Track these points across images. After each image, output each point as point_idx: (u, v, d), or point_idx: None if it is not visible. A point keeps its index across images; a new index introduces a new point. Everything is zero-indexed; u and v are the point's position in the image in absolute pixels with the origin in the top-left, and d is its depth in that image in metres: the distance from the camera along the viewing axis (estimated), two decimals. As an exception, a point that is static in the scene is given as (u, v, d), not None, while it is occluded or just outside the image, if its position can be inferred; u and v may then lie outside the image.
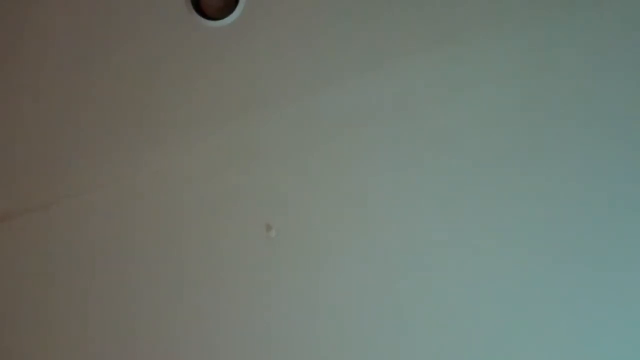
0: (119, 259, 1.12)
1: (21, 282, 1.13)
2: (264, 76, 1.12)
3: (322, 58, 1.11)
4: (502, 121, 1.06)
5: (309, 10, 1.11)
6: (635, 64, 1.04)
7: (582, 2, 1.06)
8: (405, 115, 1.08)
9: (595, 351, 1.02)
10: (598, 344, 1.02)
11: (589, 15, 1.05)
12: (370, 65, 1.10)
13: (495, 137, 1.06)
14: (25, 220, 1.13)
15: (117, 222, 1.12)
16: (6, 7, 1.15)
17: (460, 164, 1.07)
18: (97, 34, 1.14)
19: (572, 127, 1.05)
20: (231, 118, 1.12)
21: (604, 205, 1.03)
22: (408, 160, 1.08)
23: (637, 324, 1.01)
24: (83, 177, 1.13)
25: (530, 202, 1.05)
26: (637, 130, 1.03)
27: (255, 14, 1.12)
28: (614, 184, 1.03)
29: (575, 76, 1.05)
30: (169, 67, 1.13)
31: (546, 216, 1.04)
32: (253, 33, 1.12)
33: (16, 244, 1.14)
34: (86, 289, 1.12)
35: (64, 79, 1.15)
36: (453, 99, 1.08)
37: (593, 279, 1.03)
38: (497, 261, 1.05)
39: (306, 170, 1.10)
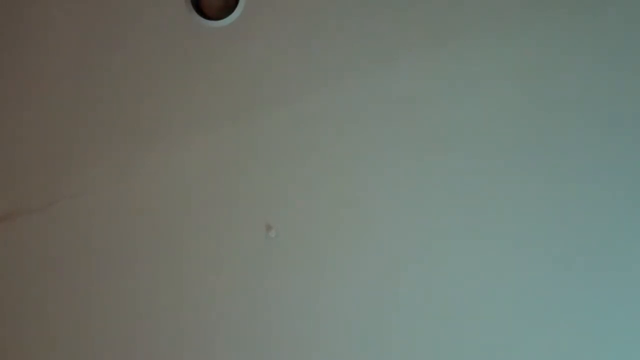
0: (119, 259, 1.11)
1: (21, 282, 1.13)
2: (264, 76, 1.12)
3: (322, 58, 1.11)
4: (504, 120, 1.06)
5: (309, 11, 1.11)
6: (637, 63, 1.04)
7: (583, 2, 1.06)
8: (405, 115, 1.08)
9: (597, 350, 1.02)
10: (599, 342, 1.02)
11: (590, 15, 1.06)
12: (370, 65, 1.10)
13: (497, 136, 1.06)
14: (25, 220, 1.13)
15: (117, 222, 1.12)
16: (6, 7, 1.15)
17: (461, 164, 1.07)
18: (97, 35, 1.14)
19: (576, 126, 1.05)
20: (231, 118, 1.12)
21: (606, 205, 1.03)
22: (408, 160, 1.08)
23: (638, 323, 1.01)
24: (83, 177, 1.13)
25: (531, 201, 1.05)
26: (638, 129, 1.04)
27: (255, 14, 1.12)
28: (616, 184, 1.03)
29: (577, 75, 1.06)
30: (169, 67, 1.13)
31: (549, 215, 1.04)
32: (253, 33, 1.12)
33: (16, 244, 1.13)
34: (86, 289, 1.12)
35: (64, 79, 1.15)
36: (454, 98, 1.08)
37: (596, 278, 1.02)
38: (499, 261, 1.05)
39: (306, 170, 1.10)
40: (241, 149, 1.12)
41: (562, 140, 1.05)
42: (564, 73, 1.06)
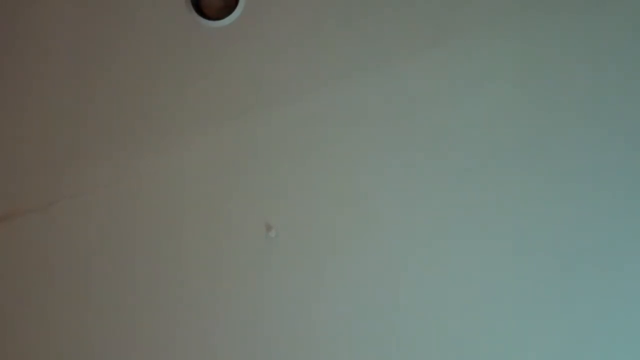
0: (118, 259, 1.11)
1: (21, 282, 1.13)
2: (264, 76, 1.12)
3: (322, 58, 1.11)
4: (504, 120, 1.06)
5: (309, 11, 1.11)
6: (636, 63, 1.04)
7: (583, 2, 1.06)
8: (405, 115, 1.08)
9: (597, 350, 1.02)
10: (600, 343, 1.02)
11: (590, 15, 1.06)
12: (370, 65, 1.10)
13: (497, 136, 1.06)
14: (25, 220, 1.13)
15: (117, 222, 1.12)
16: (6, 7, 1.15)
17: (461, 164, 1.07)
18: (97, 34, 1.14)
19: (576, 126, 1.05)
20: (231, 118, 1.12)
21: (607, 205, 1.03)
22: (408, 160, 1.08)
23: (638, 324, 1.01)
24: (83, 177, 1.13)
25: (531, 201, 1.05)
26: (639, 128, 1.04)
27: (255, 14, 1.12)
28: (616, 184, 1.03)
29: (577, 75, 1.06)
30: (169, 67, 1.13)
31: (548, 215, 1.04)
32: (253, 33, 1.12)
33: (16, 244, 1.13)
34: (86, 289, 1.12)
35: (64, 79, 1.15)
36: (453, 98, 1.08)
37: (597, 278, 1.02)
38: (499, 262, 1.05)
39: (306, 170, 1.10)
40: (241, 149, 1.12)
41: (562, 140, 1.05)
42: (564, 73, 1.06)
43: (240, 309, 1.09)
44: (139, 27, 1.14)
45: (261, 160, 1.11)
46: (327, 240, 1.09)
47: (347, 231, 1.08)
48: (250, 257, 1.09)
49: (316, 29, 1.11)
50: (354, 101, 1.10)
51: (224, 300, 1.10)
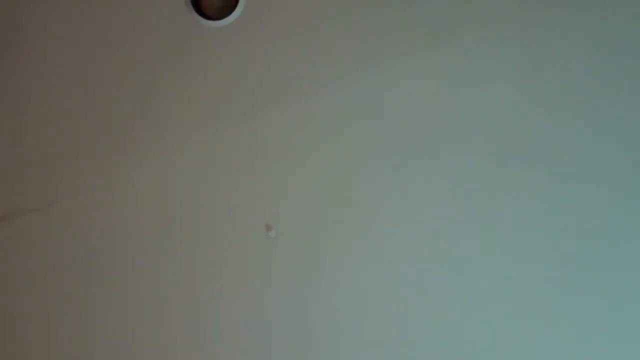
0: (118, 259, 1.12)
1: (21, 282, 1.13)
2: (263, 76, 1.12)
3: (322, 58, 1.11)
4: (504, 120, 1.06)
5: (308, 11, 1.11)
6: (636, 63, 1.04)
7: (583, 2, 1.06)
8: (405, 115, 1.08)
9: (597, 350, 1.02)
10: (600, 342, 1.02)
11: (590, 15, 1.06)
12: (370, 65, 1.10)
13: (497, 136, 1.06)
14: (25, 220, 1.13)
15: (117, 222, 1.12)
16: (6, 8, 1.16)
17: (461, 164, 1.06)
18: (98, 35, 1.14)
19: (576, 125, 1.05)
20: (231, 118, 1.12)
21: (606, 205, 1.03)
22: (408, 159, 1.08)
23: (637, 324, 1.01)
24: (83, 177, 1.13)
25: (531, 201, 1.05)
26: (638, 128, 1.04)
27: (255, 14, 1.12)
28: (616, 184, 1.03)
29: (577, 75, 1.05)
30: (169, 67, 1.13)
31: (548, 215, 1.04)
32: (253, 33, 1.12)
33: (16, 244, 1.14)
34: (86, 289, 1.12)
35: (64, 80, 1.15)
36: (453, 98, 1.08)
37: (596, 278, 1.02)
38: (499, 261, 1.05)
39: (306, 170, 1.10)
40: (241, 149, 1.12)
41: (562, 140, 1.05)
42: (564, 73, 1.06)
43: (241, 308, 1.09)
44: (139, 27, 1.14)
45: (261, 160, 1.11)
46: (327, 240, 1.09)
47: (347, 230, 1.08)
48: (250, 257, 1.09)
49: (316, 29, 1.11)
50: (353, 101, 1.10)
51: (224, 300, 1.10)
